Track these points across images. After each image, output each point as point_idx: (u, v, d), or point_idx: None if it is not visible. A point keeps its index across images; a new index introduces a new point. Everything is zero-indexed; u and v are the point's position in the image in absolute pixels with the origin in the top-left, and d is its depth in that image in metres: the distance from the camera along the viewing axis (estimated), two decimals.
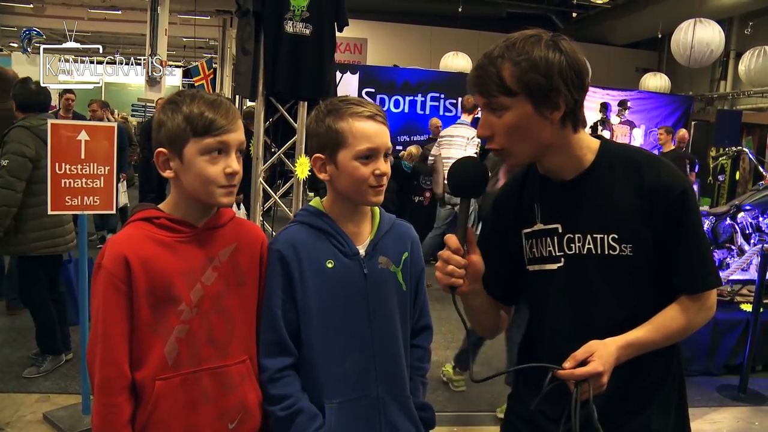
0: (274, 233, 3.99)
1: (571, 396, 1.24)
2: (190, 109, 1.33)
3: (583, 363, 1.23)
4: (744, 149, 6.89)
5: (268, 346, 1.46)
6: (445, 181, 6.27)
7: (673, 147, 7.39)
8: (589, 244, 1.32)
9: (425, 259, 6.10)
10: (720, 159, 9.35)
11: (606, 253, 1.30)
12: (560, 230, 1.35)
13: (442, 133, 6.48)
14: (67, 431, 3.09)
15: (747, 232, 4.78)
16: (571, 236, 1.34)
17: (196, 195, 1.37)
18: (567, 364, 1.24)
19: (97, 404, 1.33)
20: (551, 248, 1.36)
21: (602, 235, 1.30)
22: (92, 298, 1.36)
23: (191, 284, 1.36)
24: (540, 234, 1.38)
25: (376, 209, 1.54)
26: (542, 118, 1.25)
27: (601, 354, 1.24)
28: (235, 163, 1.36)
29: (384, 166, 1.42)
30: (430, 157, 6.82)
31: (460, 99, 9.91)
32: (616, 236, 1.30)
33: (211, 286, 1.39)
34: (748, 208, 4.77)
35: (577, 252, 1.33)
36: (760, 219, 4.78)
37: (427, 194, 7.70)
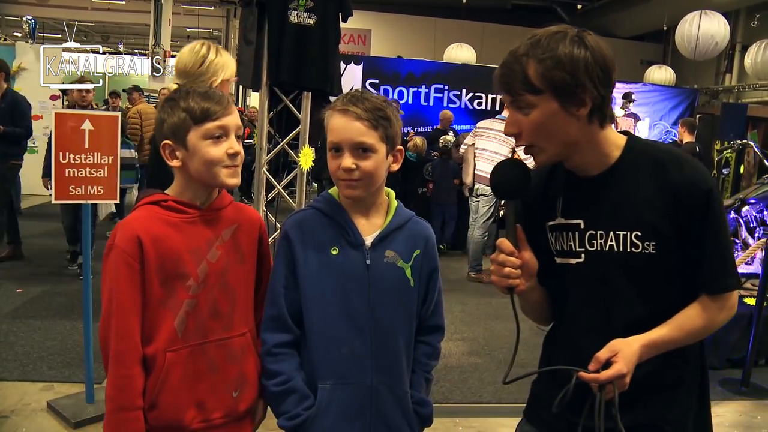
0: (277, 224, 4.00)
1: (590, 393, 1.25)
2: (186, 103, 1.44)
3: (607, 363, 1.24)
4: (749, 142, 6.84)
5: (268, 321, 1.52)
6: (476, 174, 6.30)
7: (691, 139, 7.30)
8: (611, 241, 1.31)
9: (477, 255, 6.10)
10: (725, 152, 9.30)
11: (629, 250, 1.30)
12: (582, 226, 1.35)
13: (479, 125, 6.51)
14: (71, 419, 3.10)
15: (751, 225, 4.77)
16: (593, 233, 1.34)
17: (203, 179, 1.47)
18: (591, 366, 1.25)
19: (112, 376, 1.40)
20: (572, 243, 1.37)
21: (625, 233, 1.30)
22: (104, 276, 1.43)
23: (198, 261, 1.46)
24: (561, 228, 1.39)
25: (395, 202, 1.57)
26: (569, 115, 1.25)
27: (624, 354, 1.24)
28: (236, 144, 1.47)
29: (345, 161, 1.42)
30: (462, 146, 6.81)
31: (464, 90, 9.87)
32: (639, 234, 1.29)
33: (215, 263, 1.48)
34: (752, 201, 4.76)
35: (599, 249, 1.33)
36: (765, 212, 4.77)
37: (430, 185, 7.71)
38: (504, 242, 1.34)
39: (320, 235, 1.49)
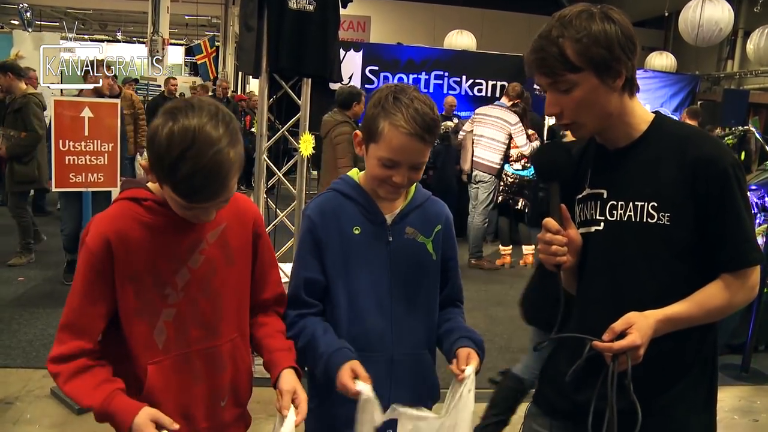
0: (278, 211, 4.00)
1: (601, 368, 1.26)
2: (187, 156, 1.17)
3: (621, 335, 1.25)
4: (751, 129, 6.82)
5: (290, 300, 1.55)
6: (474, 161, 6.27)
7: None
8: (630, 211, 1.35)
9: (478, 242, 6.03)
10: (726, 139, 9.28)
11: (644, 220, 1.33)
12: (605, 196, 1.39)
13: (477, 111, 6.49)
14: (74, 405, 3.12)
15: (753, 212, 4.76)
16: (614, 203, 1.38)
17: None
18: (605, 336, 1.26)
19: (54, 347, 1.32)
20: (593, 211, 1.41)
21: (643, 203, 1.34)
22: (76, 270, 1.33)
23: (176, 268, 1.34)
24: (587, 198, 1.43)
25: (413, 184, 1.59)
26: (607, 88, 1.32)
27: (639, 326, 1.25)
28: (210, 216, 1.32)
29: (399, 177, 1.44)
30: (460, 133, 6.80)
31: (464, 76, 9.81)
32: (655, 204, 1.32)
33: (198, 269, 1.36)
34: (754, 188, 4.74)
35: (618, 219, 1.36)
36: (766, 198, 4.76)
37: (431, 172, 7.70)
38: (550, 221, 1.38)
39: (342, 215, 1.52)
